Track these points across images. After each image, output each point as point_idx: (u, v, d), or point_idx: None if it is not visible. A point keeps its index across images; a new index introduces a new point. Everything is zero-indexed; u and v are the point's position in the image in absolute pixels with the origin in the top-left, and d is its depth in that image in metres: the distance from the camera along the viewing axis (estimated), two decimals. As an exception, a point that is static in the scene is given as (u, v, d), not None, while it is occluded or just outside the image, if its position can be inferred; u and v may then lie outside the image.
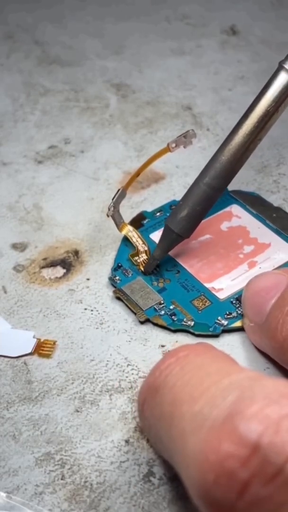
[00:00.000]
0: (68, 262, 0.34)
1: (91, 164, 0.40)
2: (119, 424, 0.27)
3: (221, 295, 0.31)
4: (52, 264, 0.34)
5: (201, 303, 0.31)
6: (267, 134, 0.31)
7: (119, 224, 0.33)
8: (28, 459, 0.26)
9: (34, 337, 0.31)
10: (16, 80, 0.46)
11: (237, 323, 0.30)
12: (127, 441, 0.27)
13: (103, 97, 0.44)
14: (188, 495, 0.21)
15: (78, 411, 0.28)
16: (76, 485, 0.26)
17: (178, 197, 0.37)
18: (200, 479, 0.20)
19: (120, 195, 0.33)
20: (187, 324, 0.30)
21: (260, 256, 0.33)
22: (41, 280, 0.33)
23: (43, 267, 0.34)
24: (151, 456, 0.26)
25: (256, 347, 0.30)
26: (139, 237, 0.34)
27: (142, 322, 0.31)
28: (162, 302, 0.31)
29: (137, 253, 0.33)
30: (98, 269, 0.34)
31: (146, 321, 0.31)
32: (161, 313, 0.31)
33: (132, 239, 0.34)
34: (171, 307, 0.31)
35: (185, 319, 0.31)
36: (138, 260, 0.33)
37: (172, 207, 0.36)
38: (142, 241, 0.34)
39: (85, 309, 0.32)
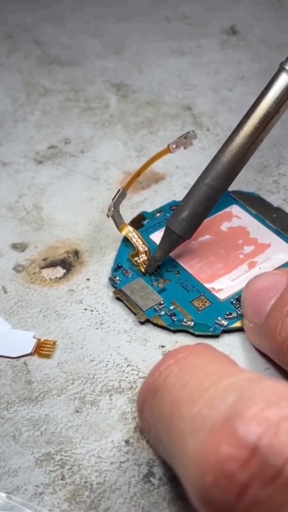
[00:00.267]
0: (68, 262, 0.34)
1: (91, 164, 0.40)
2: (119, 424, 0.27)
3: (221, 296, 0.31)
4: (52, 264, 0.34)
5: (201, 304, 0.31)
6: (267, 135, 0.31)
7: (119, 224, 0.33)
8: (28, 459, 0.27)
9: (34, 337, 0.31)
10: (16, 80, 0.46)
11: (237, 324, 0.30)
12: (127, 442, 0.27)
13: (103, 97, 0.44)
14: (187, 496, 0.21)
15: (78, 412, 0.28)
16: (76, 485, 0.26)
17: (178, 197, 0.37)
18: (199, 481, 0.20)
19: (120, 195, 0.33)
20: (187, 324, 0.30)
21: (260, 256, 0.33)
22: (41, 280, 0.33)
23: (43, 267, 0.34)
24: (151, 456, 0.26)
25: (256, 348, 0.30)
26: (139, 237, 0.34)
27: (142, 323, 0.31)
28: (162, 302, 0.31)
29: (137, 254, 0.33)
30: (98, 270, 0.34)
31: (146, 321, 0.31)
32: (161, 314, 0.31)
33: (132, 239, 0.34)
34: (171, 307, 0.31)
35: (185, 320, 0.31)
36: (138, 261, 0.33)
37: (172, 207, 0.36)
38: (142, 241, 0.34)
39: (85, 309, 0.32)
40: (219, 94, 0.44)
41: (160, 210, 0.36)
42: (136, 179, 0.34)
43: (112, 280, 0.33)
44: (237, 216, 0.35)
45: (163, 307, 0.31)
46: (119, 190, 0.33)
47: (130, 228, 0.34)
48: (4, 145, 0.41)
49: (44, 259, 0.34)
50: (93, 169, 0.39)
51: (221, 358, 0.24)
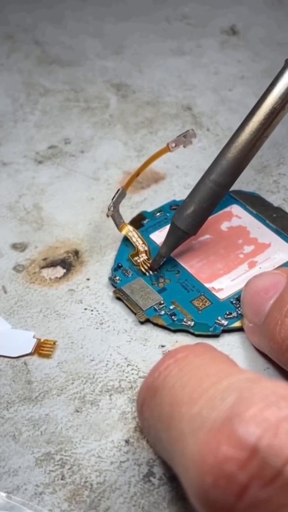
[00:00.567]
0: (68, 262, 0.34)
1: (91, 164, 0.40)
2: (119, 424, 0.28)
3: (221, 295, 0.31)
4: (52, 264, 0.34)
5: (201, 303, 0.31)
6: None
7: (119, 224, 0.33)
8: (28, 459, 0.27)
9: (34, 337, 0.31)
10: (16, 80, 0.46)
11: (237, 323, 0.30)
12: (127, 441, 0.27)
13: (103, 97, 0.44)
14: (187, 496, 0.21)
15: (78, 411, 0.28)
16: (76, 485, 0.26)
17: (178, 197, 0.37)
18: (199, 481, 0.20)
19: (120, 195, 0.33)
20: (187, 324, 0.30)
21: (260, 256, 0.33)
22: (41, 280, 0.33)
23: (43, 267, 0.34)
24: (151, 456, 0.26)
25: (256, 348, 0.30)
26: (139, 237, 0.34)
27: (142, 322, 0.31)
28: (162, 302, 0.31)
29: (137, 253, 0.33)
30: (98, 269, 0.34)
31: (146, 321, 0.31)
32: (161, 313, 0.31)
33: (132, 239, 0.34)
34: (171, 307, 0.31)
35: (185, 319, 0.31)
36: (138, 260, 0.33)
37: (172, 207, 0.36)
38: (142, 241, 0.34)
39: (85, 309, 0.32)
40: (219, 94, 0.44)
41: (160, 209, 0.36)
42: (136, 179, 0.34)
43: (112, 280, 0.33)
44: (237, 216, 0.35)
45: (163, 306, 0.31)
46: (118, 190, 0.33)
47: (130, 228, 0.34)
48: (4, 145, 0.41)
49: (44, 259, 0.34)
50: (93, 169, 0.39)
51: (220, 358, 0.24)
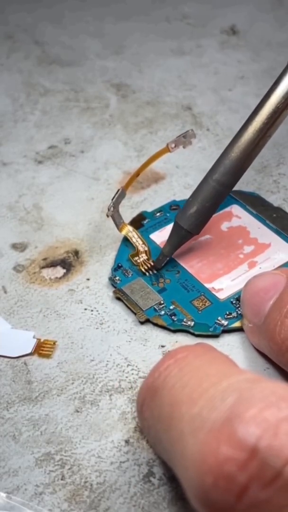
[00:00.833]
0: (68, 262, 0.34)
1: (91, 164, 0.40)
2: (119, 424, 0.28)
3: (221, 295, 0.31)
4: (52, 264, 0.34)
5: (201, 303, 0.31)
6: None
7: (119, 224, 0.33)
8: (28, 459, 0.27)
9: (34, 337, 0.31)
10: (16, 80, 0.46)
11: (237, 324, 0.30)
12: (127, 441, 0.27)
13: (103, 97, 0.44)
14: (187, 496, 0.21)
15: (78, 411, 0.28)
16: (76, 485, 0.26)
17: (178, 197, 0.37)
18: (199, 482, 0.20)
19: (120, 195, 0.33)
20: (187, 324, 0.30)
21: (260, 256, 0.33)
22: (41, 280, 0.33)
23: (43, 267, 0.34)
24: (151, 456, 0.26)
25: (255, 348, 0.30)
26: (139, 237, 0.34)
27: (142, 322, 0.31)
28: (162, 302, 0.31)
29: (137, 253, 0.33)
30: (98, 269, 0.34)
31: (146, 321, 0.31)
32: (161, 313, 0.31)
33: (132, 239, 0.34)
34: (171, 307, 0.31)
35: (185, 319, 0.31)
36: (138, 261, 0.33)
37: (172, 207, 0.36)
38: (142, 241, 0.34)
39: (85, 309, 0.32)
40: (219, 94, 0.44)
41: (160, 209, 0.36)
42: (136, 179, 0.34)
43: (112, 280, 0.33)
44: (237, 216, 0.35)
45: (163, 306, 0.31)
46: (118, 190, 0.33)
47: (130, 228, 0.34)
48: (4, 145, 0.41)
49: (44, 259, 0.34)
50: (93, 169, 0.39)
51: (220, 359, 0.24)
